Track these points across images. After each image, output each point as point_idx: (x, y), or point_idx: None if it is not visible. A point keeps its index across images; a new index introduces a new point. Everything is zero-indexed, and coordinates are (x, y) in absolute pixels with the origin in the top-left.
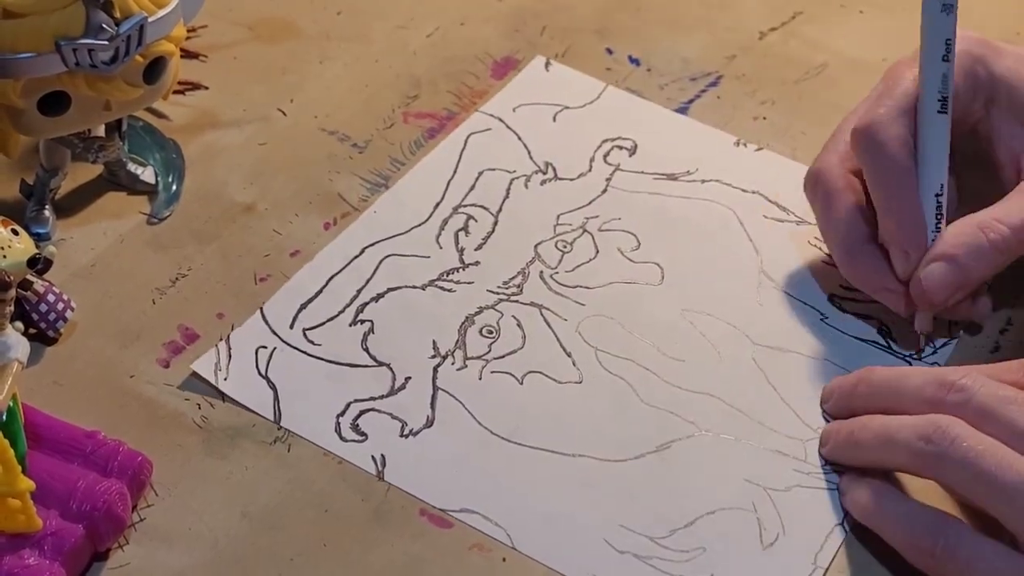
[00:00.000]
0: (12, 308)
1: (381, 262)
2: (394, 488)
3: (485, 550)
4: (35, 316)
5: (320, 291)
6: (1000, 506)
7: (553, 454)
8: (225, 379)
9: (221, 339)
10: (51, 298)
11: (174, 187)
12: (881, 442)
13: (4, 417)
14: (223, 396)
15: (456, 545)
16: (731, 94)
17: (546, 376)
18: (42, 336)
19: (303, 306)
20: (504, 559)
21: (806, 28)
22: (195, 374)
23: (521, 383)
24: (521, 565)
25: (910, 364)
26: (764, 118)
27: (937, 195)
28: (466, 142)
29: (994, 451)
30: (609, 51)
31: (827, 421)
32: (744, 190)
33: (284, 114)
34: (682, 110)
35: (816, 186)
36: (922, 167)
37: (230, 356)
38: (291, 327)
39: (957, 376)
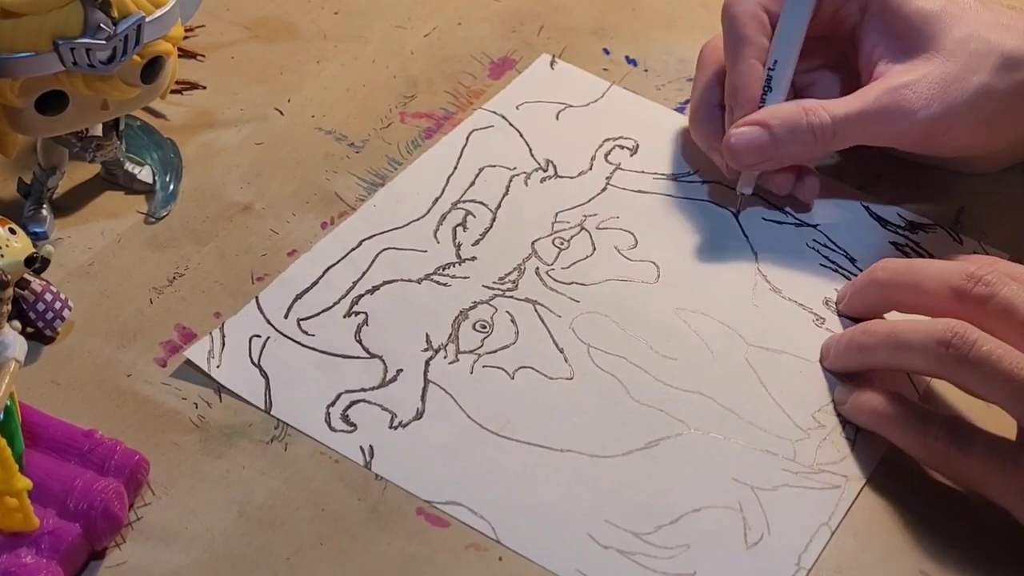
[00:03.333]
0: (9, 307)
1: (378, 255)
2: (391, 487)
3: (482, 549)
4: (32, 315)
5: (316, 282)
6: (1016, 405)
7: (541, 449)
8: (218, 367)
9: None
10: (48, 297)
11: (171, 186)
12: (891, 344)
13: (1, 416)
14: (220, 393)
15: (453, 544)
16: None
17: (537, 371)
18: (39, 335)
19: (298, 296)
20: (500, 558)
21: None
22: (188, 362)
23: (512, 378)
24: (518, 564)
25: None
26: None
27: (770, 69)
28: (468, 139)
29: (1012, 354)
30: (606, 51)
31: (817, 423)
32: (744, 192)
33: (281, 114)
34: (679, 111)
35: (701, 55)
36: (774, 41)
37: (223, 344)
38: (285, 317)
39: (983, 271)
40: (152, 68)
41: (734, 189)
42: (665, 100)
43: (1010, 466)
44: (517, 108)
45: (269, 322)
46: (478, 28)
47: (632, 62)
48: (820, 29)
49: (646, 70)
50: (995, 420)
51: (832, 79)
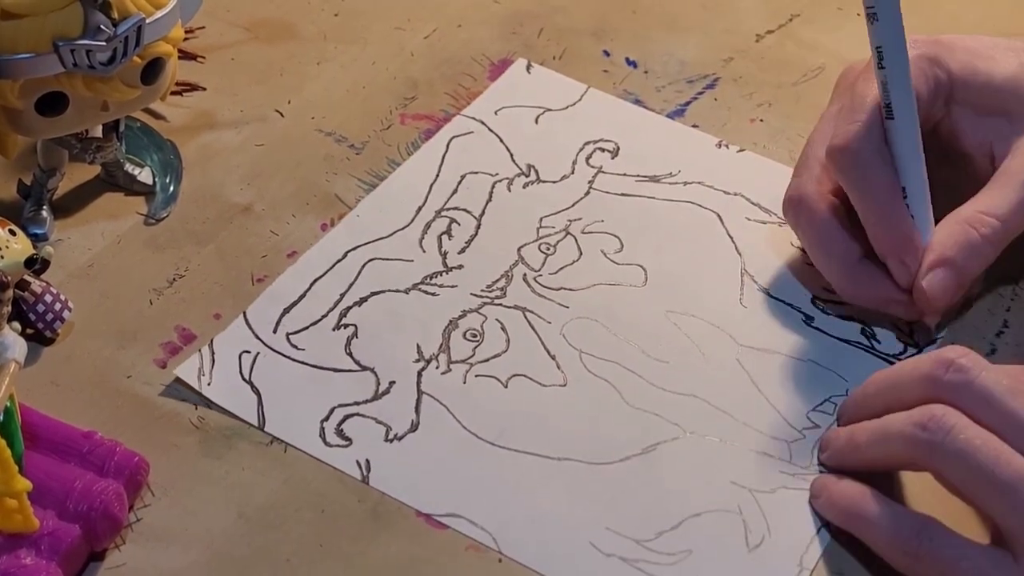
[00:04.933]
0: (9, 308)
1: (364, 266)
2: None
3: (481, 550)
4: (32, 316)
5: (303, 295)
6: (993, 501)
7: (538, 457)
8: (208, 384)
9: (205, 344)
10: (48, 298)
11: (171, 188)
12: (878, 437)
13: (1, 417)
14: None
15: (452, 546)
16: (728, 96)
17: (530, 379)
18: (39, 336)
19: (286, 310)
20: (500, 560)
21: (803, 30)
22: (179, 379)
23: (505, 386)
24: (518, 565)
25: (892, 364)
26: (761, 120)
27: (918, 198)
28: (448, 145)
29: (991, 445)
30: (606, 53)
31: (811, 422)
32: (726, 192)
33: (281, 115)
34: (679, 112)
35: (799, 212)
36: (900, 174)
37: (213, 361)
38: (274, 331)
39: (956, 355)
40: (152, 69)
41: (716, 189)
42: (665, 102)
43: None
44: (496, 113)
45: (258, 337)
46: (478, 30)
47: (632, 64)
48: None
49: (646, 72)
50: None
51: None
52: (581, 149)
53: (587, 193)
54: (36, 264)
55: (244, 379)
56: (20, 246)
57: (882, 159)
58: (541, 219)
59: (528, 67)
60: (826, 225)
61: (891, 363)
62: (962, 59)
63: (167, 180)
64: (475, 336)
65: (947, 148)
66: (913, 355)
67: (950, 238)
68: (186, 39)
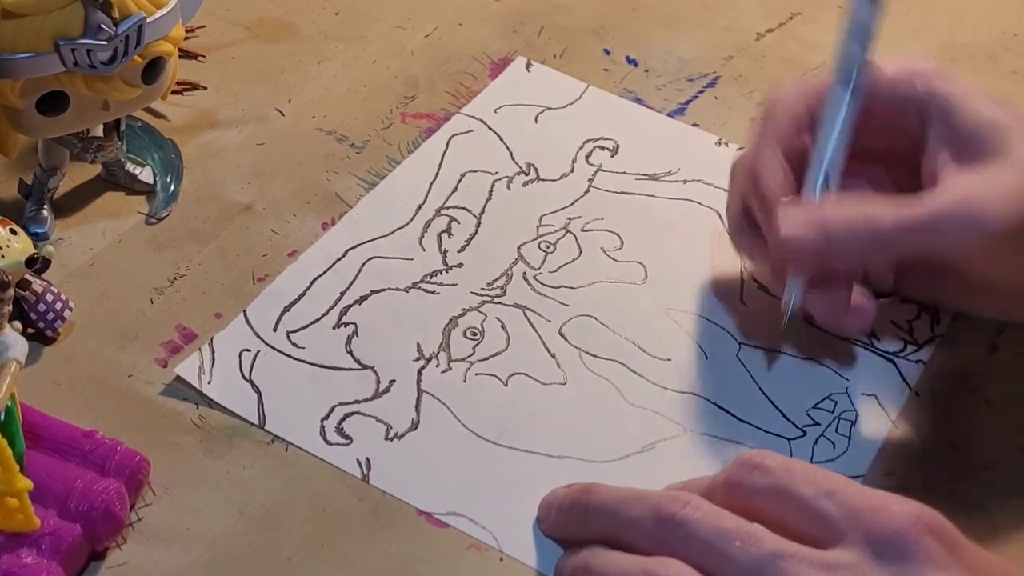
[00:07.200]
0: (10, 308)
1: (364, 264)
2: None
3: (482, 549)
4: (33, 316)
5: (303, 293)
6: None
7: (538, 456)
8: (209, 382)
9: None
10: (49, 298)
11: (172, 187)
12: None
13: (3, 416)
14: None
15: (453, 544)
16: (729, 95)
17: (530, 378)
18: (40, 336)
19: (286, 308)
20: (501, 559)
21: (803, 29)
22: (179, 378)
23: (506, 385)
24: (519, 565)
25: (894, 363)
26: None
27: (826, 169)
28: (448, 144)
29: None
30: (607, 51)
31: (812, 420)
32: (726, 190)
33: (282, 114)
34: (679, 111)
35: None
36: (818, 141)
37: (213, 359)
38: (274, 330)
39: (677, 507)
40: (153, 69)
41: (716, 187)
42: (666, 101)
43: None
44: (495, 112)
45: (258, 335)
46: (479, 28)
47: (633, 62)
48: (881, 141)
49: (647, 70)
50: None
51: (885, 181)
52: (581, 147)
53: (587, 191)
54: (37, 263)
55: (244, 377)
56: (21, 245)
57: (796, 121)
58: (541, 217)
59: (528, 65)
60: (739, 175)
61: (891, 361)
62: (954, 90)
63: (168, 179)
64: (475, 334)
65: (905, 165)
66: (912, 352)
67: (838, 208)
68: (187, 38)
